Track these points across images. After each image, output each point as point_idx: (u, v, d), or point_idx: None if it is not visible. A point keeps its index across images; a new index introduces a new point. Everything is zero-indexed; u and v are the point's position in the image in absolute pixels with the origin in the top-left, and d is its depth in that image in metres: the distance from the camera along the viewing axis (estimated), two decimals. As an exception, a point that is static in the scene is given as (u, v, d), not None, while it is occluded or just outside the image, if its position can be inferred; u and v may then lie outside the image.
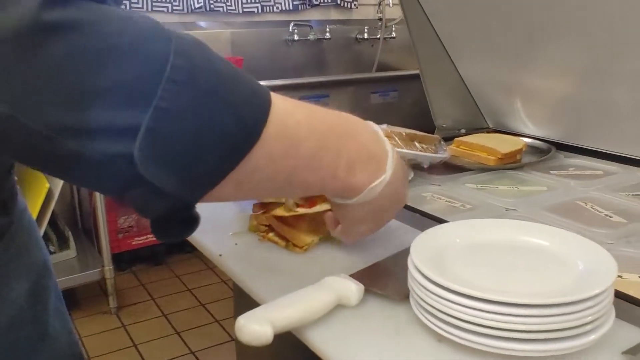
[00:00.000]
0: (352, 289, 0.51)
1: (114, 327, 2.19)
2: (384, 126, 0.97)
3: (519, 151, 1.08)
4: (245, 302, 1.01)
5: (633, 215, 0.82)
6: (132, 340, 2.11)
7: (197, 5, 2.65)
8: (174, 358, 2.03)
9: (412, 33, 1.21)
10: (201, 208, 0.77)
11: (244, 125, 0.41)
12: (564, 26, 1.01)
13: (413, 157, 0.96)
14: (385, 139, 0.53)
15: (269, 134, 0.42)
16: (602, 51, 0.99)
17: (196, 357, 2.03)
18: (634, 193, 0.91)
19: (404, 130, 0.96)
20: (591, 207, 0.85)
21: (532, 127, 1.20)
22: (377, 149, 0.51)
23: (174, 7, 2.61)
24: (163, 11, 2.58)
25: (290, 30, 2.91)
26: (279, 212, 0.65)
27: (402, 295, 0.51)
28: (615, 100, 1.03)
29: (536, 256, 0.50)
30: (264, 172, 0.43)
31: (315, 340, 0.48)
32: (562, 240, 0.51)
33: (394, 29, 3.15)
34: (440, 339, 0.46)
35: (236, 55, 2.69)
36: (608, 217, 0.81)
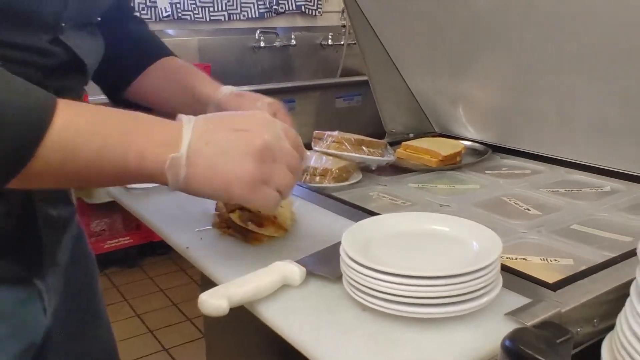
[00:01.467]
0: (296, 272, 0.62)
1: (88, 328, 2.26)
2: (336, 133, 1.09)
3: (459, 153, 1.20)
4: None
5: (548, 208, 0.94)
6: (106, 340, 2.18)
7: (165, 14, 2.73)
8: (148, 355, 2.11)
9: (360, 44, 1.33)
10: (172, 207, 0.87)
11: (13, 149, 0.48)
12: (496, 43, 1.14)
13: (361, 160, 1.08)
14: (185, 125, 0.56)
15: (46, 149, 0.49)
16: (527, 66, 1.12)
17: (169, 354, 2.12)
18: (554, 189, 1.04)
19: (353, 136, 1.08)
20: (514, 202, 0.97)
21: (472, 131, 1.33)
22: (170, 137, 0.55)
23: (142, 15, 2.68)
24: (132, 20, 2.66)
25: (257, 37, 3.01)
26: (234, 217, 0.76)
27: (337, 275, 0.62)
28: (541, 107, 1.16)
29: (440, 240, 0.62)
30: (44, 176, 0.51)
31: (266, 313, 0.59)
32: (461, 227, 0.63)
33: (357, 35, 3.27)
34: (364, 308, 0.57)
35: (204, 62, 2.78)
36: (527, 210, 0.94)
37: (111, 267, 2.73)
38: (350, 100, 2.79)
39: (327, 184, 0.99)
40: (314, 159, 1.04)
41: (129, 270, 2.73)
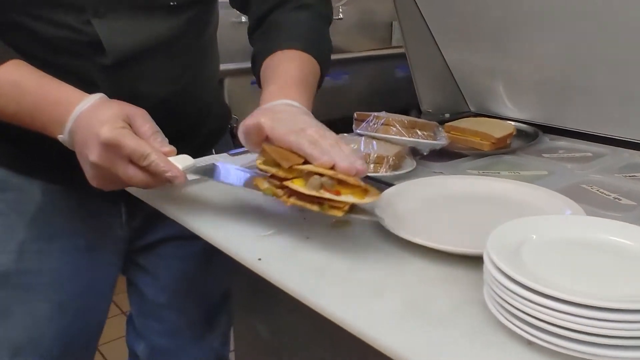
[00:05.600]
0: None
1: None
2: (383, 113, 0.95)
3: (510, 135, 1.08)
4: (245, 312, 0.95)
5: (638, 197, 0.83)
6: (92, 341, 2.02)
7: None
8: (139, 357, 1.96)
9: (400, 15, 1.18)
10: (224, 214, 0.71)
11: None
12: (544, 11, 1.02)
13: (414, 144, 0.94)
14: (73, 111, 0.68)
15: None
16: (580, 37, 1.01)
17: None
18: (630, 174, 0.93)
19: (406, 118, 0.94)
20: (597, 191, 0.86)
21: (515, 110, 1.21)
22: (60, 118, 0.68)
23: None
24: None
25: (238, 12, 2.83)
26: (297, 184, 0.59)
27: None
28: (596, 83, 1.05)
29: (621, 256, 0.48)
30: None
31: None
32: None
33: (340, 10, 3.11)
34: (529, 342, 0.44)
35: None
36: (617, 199, 0.82)
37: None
38: (337, 79, 2.65)
39: (384, 173, 0.86)
40: (362, 144, 0.90)
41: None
